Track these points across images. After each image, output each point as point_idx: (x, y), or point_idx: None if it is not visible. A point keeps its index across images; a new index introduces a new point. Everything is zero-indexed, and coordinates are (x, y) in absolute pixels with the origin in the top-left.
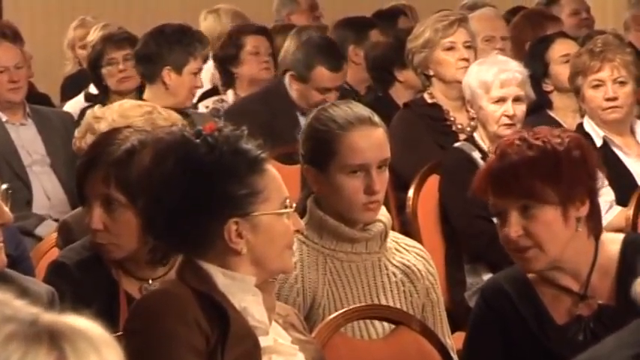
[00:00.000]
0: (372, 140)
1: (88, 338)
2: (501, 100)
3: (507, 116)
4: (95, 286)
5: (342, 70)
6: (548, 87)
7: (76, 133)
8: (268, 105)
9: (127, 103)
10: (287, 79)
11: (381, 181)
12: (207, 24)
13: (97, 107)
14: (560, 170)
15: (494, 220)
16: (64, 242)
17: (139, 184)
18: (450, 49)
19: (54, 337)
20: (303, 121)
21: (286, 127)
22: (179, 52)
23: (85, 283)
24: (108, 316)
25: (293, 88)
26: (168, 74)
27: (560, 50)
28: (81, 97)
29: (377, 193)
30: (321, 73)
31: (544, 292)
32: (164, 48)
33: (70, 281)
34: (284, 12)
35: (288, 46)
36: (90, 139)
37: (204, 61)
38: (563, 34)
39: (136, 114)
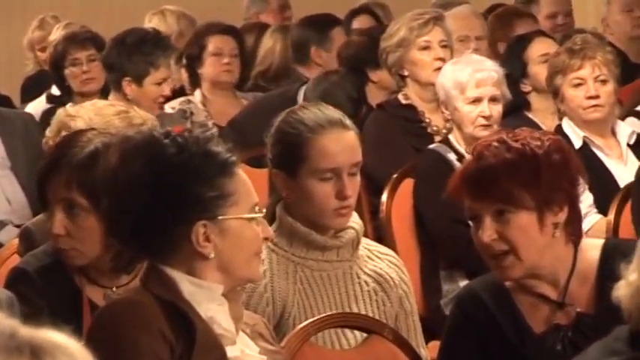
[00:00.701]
0: (343, 144)
1: (68, 354)
2: (477, 100)
3: (484, 117)
4: (57, 293)
5: (358, 117)
6: (526, 87)
7: (48, 132)
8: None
9: (100, 103)
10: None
11: (353, 185)
12: (152, 26)
13: (68, 106)
14: (539, 175)
15: (470, 223)
16: (25, 249)
17: (105, 185)
18: (426, 48)
19: (35, 351)
20: None
21: None
22: (139, 62)
23: (46, 289)
24: (71, 324)
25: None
26: (128, 85)
27: (539, 50)
28: (43, 98)
29: (348, 198)
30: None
31: (521, 300)
32: (124, 58)
33: (32, 288)
34: (253, 10)
35: (273, 45)
36: None
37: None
38: (542, 33)
39: (111, 112)
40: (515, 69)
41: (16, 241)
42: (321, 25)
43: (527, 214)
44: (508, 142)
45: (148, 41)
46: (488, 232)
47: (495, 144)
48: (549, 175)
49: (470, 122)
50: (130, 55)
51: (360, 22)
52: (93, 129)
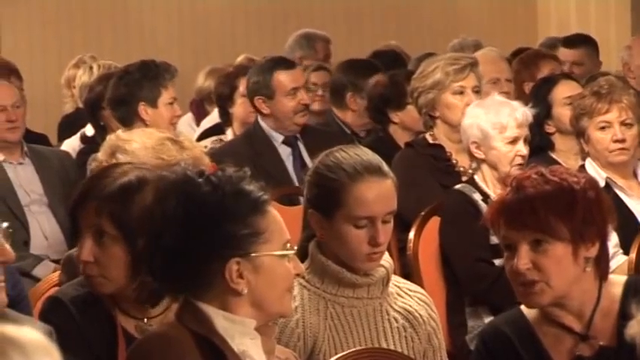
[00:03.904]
0: (380, 192)
1: (18, 346)
2: (515, 140)
3: (521, 156)
4: (91, 322)
5: (299, 69)
6: (550, 128)
7: (100, 155)
8: (252, 146)
9: (148, 130)
10: (258, 110)
11: (386, 232)
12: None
13: (119, 131)
14: (575, 208)
15: (498, 261)
16: (67, 277)
17: (140, 223)
18: (460, 93)
19: None
20: (283, 149)
21: (272, 163)
22: (148, 86)
23: (80, 319)
24: (106, 353)
25: (265, 116)
26: (144, 110)
27: (563, 92)
28: (77, 137)
29: (381, 245)
30: (281, 77)
31: (545, 332)
32: (133, 86)
33: (65, 317)
34: (297, 54)
35: None
36: (121, 159)
37: None
38: (567, 76)
39: (162, 136)
40: (540, 110)
41: (53, 275)
42: (359, 70)
43: (563, 245)
44: (546, 175)
45: (150, 66)
46: (523, 261)
47: (534, 176)
48: (584, 209)
49: (507, 161)
50: (139, 82)
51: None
52: (129, 162)
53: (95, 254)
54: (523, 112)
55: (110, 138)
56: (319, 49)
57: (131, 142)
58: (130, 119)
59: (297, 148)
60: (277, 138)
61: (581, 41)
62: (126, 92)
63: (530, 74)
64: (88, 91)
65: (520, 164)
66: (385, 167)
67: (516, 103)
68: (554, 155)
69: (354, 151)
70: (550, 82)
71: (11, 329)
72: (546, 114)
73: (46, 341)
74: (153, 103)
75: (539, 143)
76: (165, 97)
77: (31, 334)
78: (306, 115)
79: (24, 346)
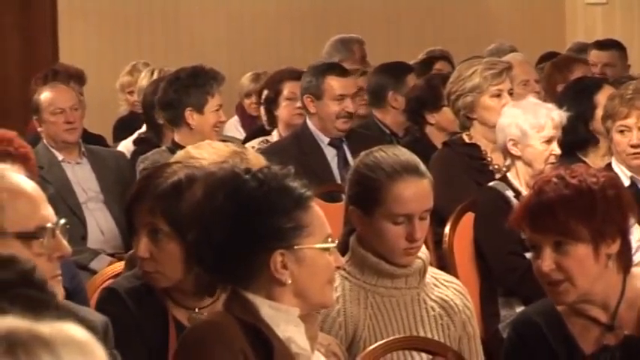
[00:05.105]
0: (417, 191)
1: (49, 347)
2: (550, 139)
3: (554, 155)
4: (145, 312)
5: (352, 77)
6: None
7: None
8: (299, 146)
9: (216, 144)
10: (305, 107)
11: (422, 228)
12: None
13: (190, 148)
14: (594, 209)
15: (529, 254)
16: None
17: (190, 217)
18: (497, 96)
19: (11, 345)
20: (329, 150)
21: (318, 163)
22: (196, 93)
23: (134, 309)
24: (158, 342)
25: (312, 116)
26: (190, 115)
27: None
28: (131, 139)
29: (417, 241)
30: (332, 82)
31: (573, 323)
32: (182, 93)
33: (120, 306)
34: (336, 57)
35: None
36: None
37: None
38: (607, 81)
39: (229, 153)
40: (585, 109)
41: (109, 268)
42: (397, 71)
43: (584, 245)
44: (566, 179)
45: (199, 74)
46: (547, 262)
47: (555, 180)
48: (603, 209)
49: (543, 160)
50: (187, 88)
51: (441, 66)
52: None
53: (151, 251)
54: (559, 114)
55: (180, 154)
56: (356, 51)
57: (201, 161)
58: (177, 122)
59: (342, 149)
60: (324, 139)
61: (612, 44)
62: (174, 97)
63: (563, 77)
64: (145, 93)
65: (553, 163)
66: (422, 167)
67: (551, 105)
68: (583, 157)
69: (393, 151)
70: (597, 84)
71: (44, 327)
72: (591, 114)
73: (85, 339)
74: (199, 110)
75: (584, 136)
76: (211, 104)
77: (66, 331)
78: (348, 123)
79: (54, 345)
